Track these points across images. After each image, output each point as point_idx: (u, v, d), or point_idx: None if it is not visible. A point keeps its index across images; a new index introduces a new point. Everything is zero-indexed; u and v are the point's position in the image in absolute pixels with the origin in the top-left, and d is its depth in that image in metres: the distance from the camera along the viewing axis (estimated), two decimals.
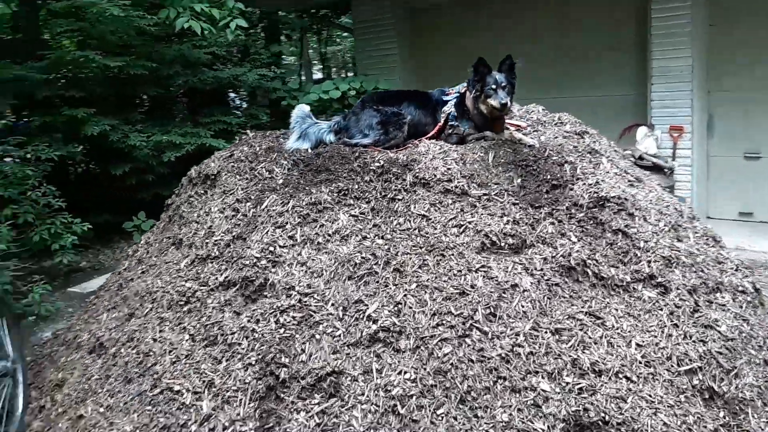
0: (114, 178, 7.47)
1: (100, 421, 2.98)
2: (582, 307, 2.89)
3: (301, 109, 3.76)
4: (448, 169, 3.32)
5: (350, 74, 14.54)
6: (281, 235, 3.24)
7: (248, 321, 3.01)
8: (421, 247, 3.09)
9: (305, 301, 2.99)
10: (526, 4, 8.15)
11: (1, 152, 6.02)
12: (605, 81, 7.83)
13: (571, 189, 3.31)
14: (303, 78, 13.28)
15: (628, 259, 3.06)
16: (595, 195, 3.23)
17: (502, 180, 3.33)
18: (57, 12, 7.32)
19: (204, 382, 2.90)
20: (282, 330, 2.92)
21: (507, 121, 3.92)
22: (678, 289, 2.95)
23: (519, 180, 3.34)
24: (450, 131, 3.61)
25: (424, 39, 9.08)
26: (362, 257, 3.07)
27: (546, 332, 2.77)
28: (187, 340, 3.12)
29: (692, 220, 3.54)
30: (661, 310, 2.88)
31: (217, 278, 3.26)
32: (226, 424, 2.73)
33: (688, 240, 3.28)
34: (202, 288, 3.28)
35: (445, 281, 2.94)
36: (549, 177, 3.34)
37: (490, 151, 3.48)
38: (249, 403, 2.78)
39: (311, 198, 3.33)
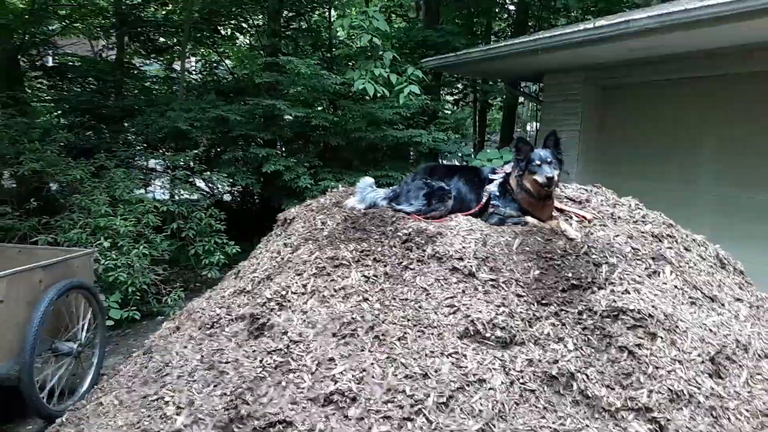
0: (279, 211, 8.34)
1: (110, 411, 3.41)
2: (552, 423, 2.57)
3: (365, 181, 3.96)
4: (464, 247, 3.21)
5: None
6: (296, 282, 3.42)
7: (243, 355, 3.23)
8: (408, 320, 3.03)
9: (291, 348, 3.11)
10: (744, 82, 7.03)
11: (184, 177, 7.19)
12: None
13: (594, 292, 2.96)
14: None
15: (628, 382, 2.64)
16: (613, 304, 2.85)
17: (518, 269, 3.11)
18: (263, 65, 8.56)
19: (189, 399, 3.17)
20: (260, 369, 3.07)
21: (570, 208, 3.66)
22: None
23: (537, 272, 3.08)
24: (492, 210, 3.49)
25: (609, 118, 8.62)
26: (352, 318, 3.11)
27: None
28: (197, 360, 3.43)
29: (762, 359, 2.91)
30: None
31: (239, 310, 3.54)
32: None
33: (728, 379, 2.71)
34: (226, 317, 3.59)
35: (414, 359, 2.84)
36: (571, 275, 3.03)
37: (519, 236, 3.28)
38: (211, 429, 2.97)
39: (334, 253, 3.47)
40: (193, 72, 12.30)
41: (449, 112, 10.28)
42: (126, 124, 8.40)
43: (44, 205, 6.28)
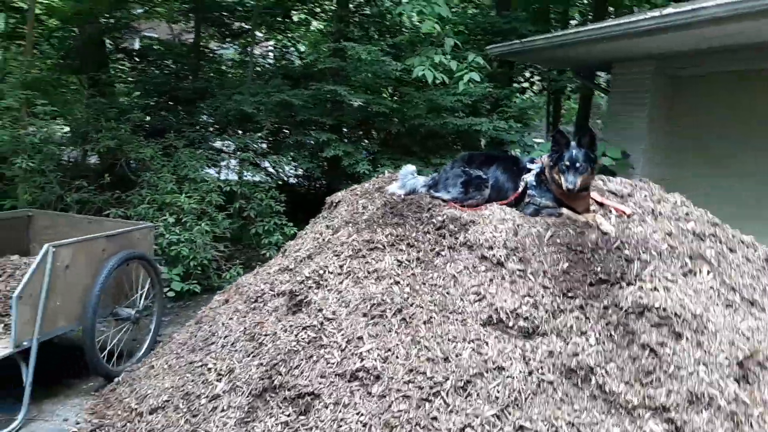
0: None
1: (160, 374, 3.69)
2: (568, 415, 2.61)
3: (407, 168, 4.05)
4: (494, 236, 3.26)
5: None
6: (333, 263, 3.57)
7: (281, 329, 3.42)
8: (435, 305, 3.12)
9: (324, 325, 3.27)
10: None
11: (249, 159, 7.48)
12: None
13: (621, 288, 2.96)
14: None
15: (648, 381, 2.64)
16: (639, 300, 2.84)
17: (547, 260, 3.13)
18: (329, 51, 8.74)
19: (229, 368, 3.40)
20: (295, 343, 3.25)
21: (610, 202, 3.62)
22: None
23: (566, 264, 3.09)
24: (528, 200, 3.51)
25: (679, 110, 8.29)
26: (382, 299, 3.22)
27: (508, 425, 2.59)
28: (240, 331, 3.65)
29: None
30: None
31: (280, 287, 3.73)
32: (224, 407, 3.18)
33: (757, 385, 2.66)
34: (269, 292, 3.79)
35: (437, 342, 2.93)
36: (600, 269, 3.03)
37: (552, 228, 3.29)
38: (247, 396, 3.18)
39: (370, 236, 3.59)
40: (268, 56, 12.66)
41: (518, 101, 10.12)
42: (199, 106, 8.78)
43: (118, 181, 6.72)
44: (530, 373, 2.75)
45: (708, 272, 3.16)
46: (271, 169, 8.75)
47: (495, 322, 2.94)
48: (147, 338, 4.45)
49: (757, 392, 2.66)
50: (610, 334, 2.80)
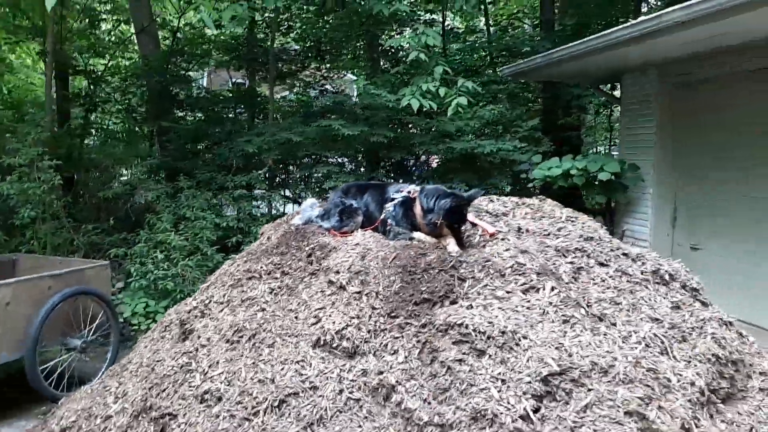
0: None
1: (79, 397, 4.07)
2: None
3: (308, 201, 4.37)
4: (344, 261, 3.39)
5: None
6: (219, 292, 3.83)
7: (168, 355, 3.71)
8: (283, 329, 3.29)
9: (198, 351, 3.52)
10: None
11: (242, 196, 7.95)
12: None
13: (441, 306, 3.00)
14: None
15: (443, 398, 2.67)
16: (448, 318, 2.87)
17: (384, 282, 3.22)
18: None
19: (124, 391, 3.72)
20: (170, 368, 3.53)
21: (480, 222, 3.65)
22: None
23: (398, 285, 3.16)
24: (387, 228, 3.63)
25: (686, 118, 7.90)
26: (243, 326, 3.44)
27: None
28: (146, 357, 3.97)
29: (623, 384, 2.74)
30: None
31: (180, 315, 4.02)
32: (111, 426, 3.49)
33: (562, 403, 2.62)
34: (175, 320, 4.09)
35: (271, 365, 3.10)
36: (425, 288, 3.08)
37: (397, 251, 3.38)
38: (129, 416, 3.48)
39: (249, 266, 3.82)
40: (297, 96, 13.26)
41: (533, 122, 10.00)
42: (220, 149, 9.41)
43: (124, 222, 7.36)
44: (341, 391, 2.85)
45: (553, 288, 3.11)
46: (276, 203, 9.18)
47: (322, 343, 3.07)
48: (104, 364, 4.88)
49: (557, 410, 2.60)
50: (419, 352, 2.85)
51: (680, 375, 2.94)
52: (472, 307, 2.92)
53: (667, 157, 7.98)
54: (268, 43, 11.30)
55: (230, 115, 11.97)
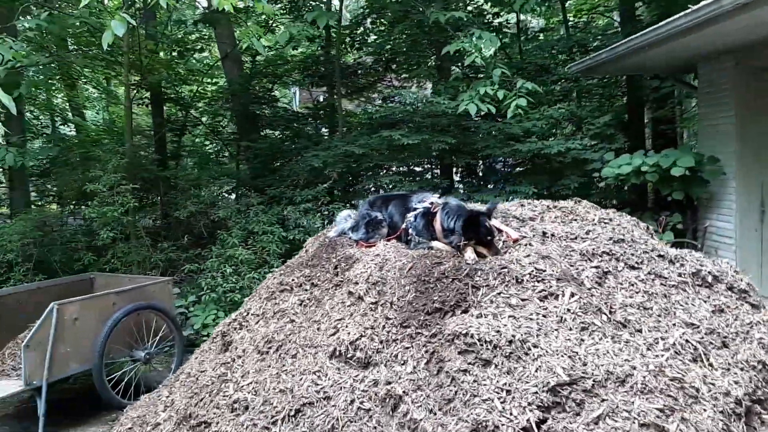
0: None
1: (137, 406, 4.34)
2: None
3: (343, 213, 4.46)
4: (363, 272, 3.42)
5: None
6: (255, 305, 3.98)
7: (210, 366, 3.89)
8: (307, 340, 3.37)
9: (234, 362, 3.68)
10: None
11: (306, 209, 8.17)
12: None
13: (453, 315, 2.96)
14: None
15: (447, 408, 2.64)
16: (456, 328, 2.83)
17: (399, 292, 3.22)
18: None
19: (172, 399, 3.94)
20: (209, 378, 3.70)
21: (506, 228, 3.58)
22: None
23: (413, 295, 3.15)
24: (408, 237, 3.64)
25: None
26: (272, 337, 3.55)
27: None
28: (195, 369, 4.18)
29: (640, 394, 2.60)
30: None
31: (222, 328, 4.20)
32: None
33: (572, 414, 2.53)
34: (219, 333, 4.28)
35: (292, 375, 3.18)
36: (437, 298, 3.05)
37: (414, 260, 3.36)
38: (174, 423, 3.69)
39: (281, 279, 3.94)
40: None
41: (604, 118, 9.56)
42: (291, 165, 9.73)
43: (200, 239, 7.79)
44: (352, 402, 2.88)
45: (573, 295, 3.00)
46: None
47: (338, 354, 3.12)
48: (170, 374, 5.18)
49: (564, 422, 2.51)
50: (426, 363, 2.83)
51: (712, 384, 2.75)
52: (482, 316, 2.87)
53: (750, 148, 7.40)
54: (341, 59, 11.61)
55: (310, 131, 12.39)
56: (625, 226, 3.63)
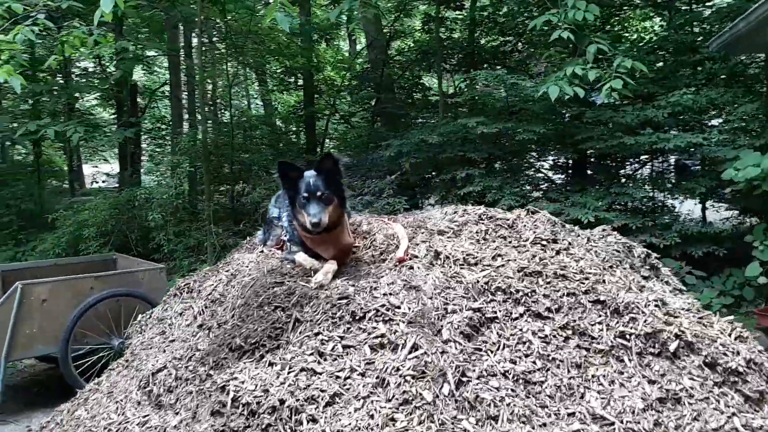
0: None
1: None
2: None
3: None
4: (211, 285, 2.82)
5: None
6: None
7: None
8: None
9: None
10: None
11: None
12: None
13: (252, 356, 2.22)
14: None
15: None
16: (220, 380, 2.09)
17: (226, 317, 2.53)
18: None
19: None
20: None
21: (399, 231, 2.71)
22: None
23: (231, 323, 2.45)
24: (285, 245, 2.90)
25: None
26: None
27: None
28: None
29: None
30: None
31: None
32: None
33: None
34: None
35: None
36: (244, 331, 2.31)
37: (261, 276, 2.63)
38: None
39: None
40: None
41: (743, 108, 7.45)
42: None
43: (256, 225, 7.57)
44: None
45: (414, 348, 2.09)
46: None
47: (143, 386, 2.53)
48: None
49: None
50: (193, 417, 2.13)
51: None
52: (270, 365, 2.09)
53: None
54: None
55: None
56: (574, 251, 2.51)
